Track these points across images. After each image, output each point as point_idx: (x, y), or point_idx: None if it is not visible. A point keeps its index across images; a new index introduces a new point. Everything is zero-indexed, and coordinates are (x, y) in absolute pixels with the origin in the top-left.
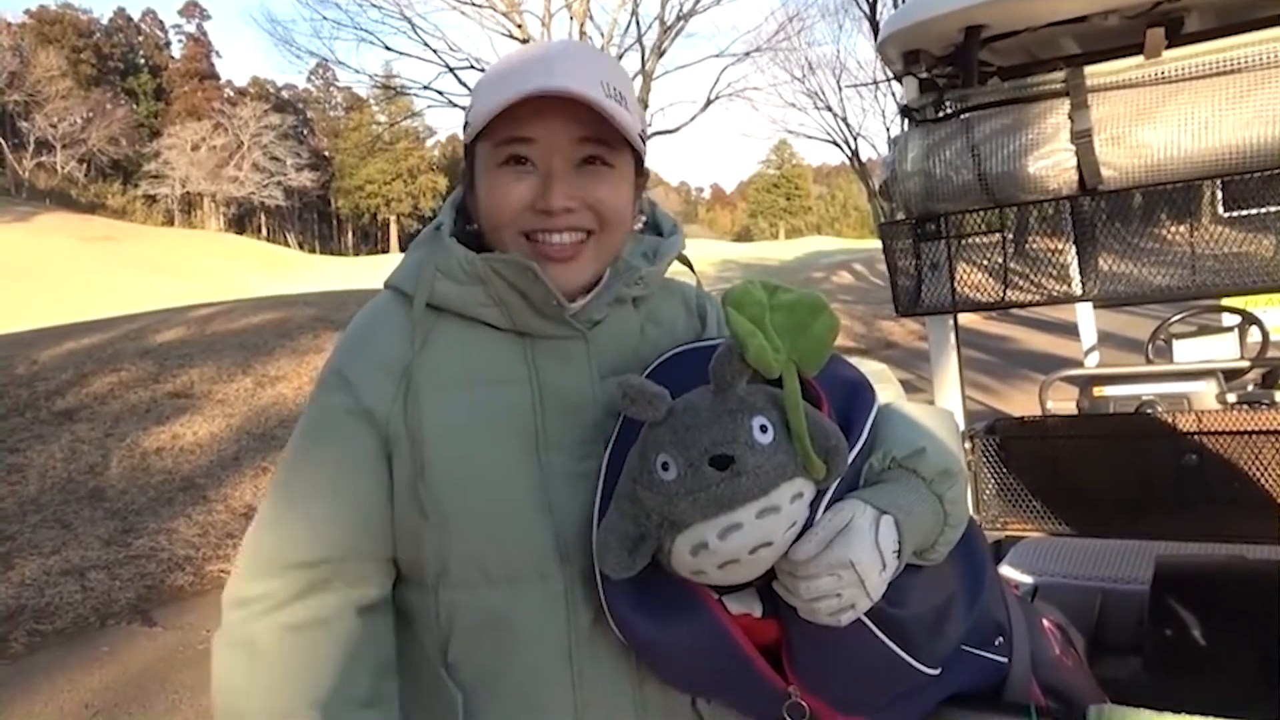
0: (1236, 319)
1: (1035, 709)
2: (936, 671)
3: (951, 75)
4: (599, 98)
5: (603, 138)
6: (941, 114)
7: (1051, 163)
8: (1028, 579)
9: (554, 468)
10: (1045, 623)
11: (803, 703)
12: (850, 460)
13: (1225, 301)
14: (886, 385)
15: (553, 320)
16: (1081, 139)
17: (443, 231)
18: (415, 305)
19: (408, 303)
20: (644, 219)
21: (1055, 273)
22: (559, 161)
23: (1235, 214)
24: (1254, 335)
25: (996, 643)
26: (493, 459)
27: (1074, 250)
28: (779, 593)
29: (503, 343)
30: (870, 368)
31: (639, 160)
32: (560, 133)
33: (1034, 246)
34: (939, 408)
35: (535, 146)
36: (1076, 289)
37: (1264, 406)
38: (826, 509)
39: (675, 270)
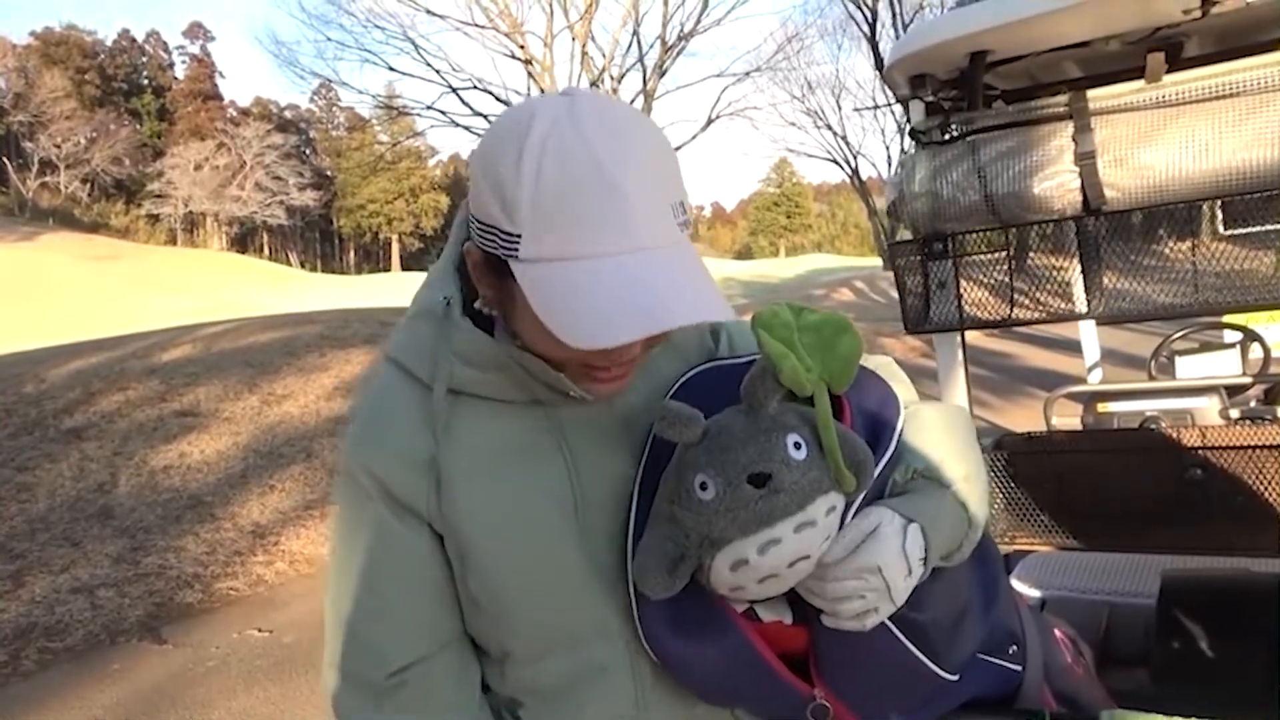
0: (1238, 335)
1: (1049, 715)
2: (955, 677)
3: (957, 99)
4: (704, 312)
5: None
6: (948, 136)
7: (1056, 184)
8: (1035, 593)
9: (597, 528)
10: (1057, 632)
11: (826, 704)
12: (878, 471)
13: (1227, 318)
14: (898, 384)
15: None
16: (1085, 161)
17: (453, 310)
18: (435, 395)
19: (417, 384)
20: None
21: (1060, 291)
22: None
23: (1236, 232)
24: (1255, 351)
25: (1010, 651)
26: (536, 537)
27: (1078, 269)
28: (804, 595)
29: (525, 415)
30: (875, 361)
31: None
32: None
33: (1039, 265)
34: (952, 405)
35: None
36: (1081, 307)
37: (1266, 422)
38: (854, 516)
39: None
